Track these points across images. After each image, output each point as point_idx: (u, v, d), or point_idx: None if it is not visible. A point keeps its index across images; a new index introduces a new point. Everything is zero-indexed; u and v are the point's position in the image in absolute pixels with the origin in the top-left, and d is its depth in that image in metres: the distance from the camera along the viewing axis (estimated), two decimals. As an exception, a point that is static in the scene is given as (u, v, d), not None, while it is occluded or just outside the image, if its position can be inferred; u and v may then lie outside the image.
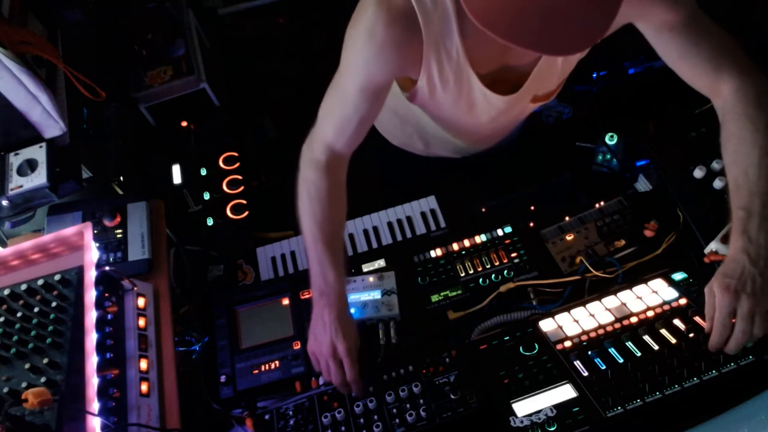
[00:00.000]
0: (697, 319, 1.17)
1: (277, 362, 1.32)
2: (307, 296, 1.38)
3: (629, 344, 1.15)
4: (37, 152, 1.46)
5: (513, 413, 1.09)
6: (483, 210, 1.57)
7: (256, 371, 1.31)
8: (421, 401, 1.16)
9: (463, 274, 1.40)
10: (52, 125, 1.47)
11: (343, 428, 1.16)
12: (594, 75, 2.17)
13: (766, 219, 1.07)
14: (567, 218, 1.46)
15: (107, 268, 1.24)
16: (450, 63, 1.15)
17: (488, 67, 1.18)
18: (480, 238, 1.46)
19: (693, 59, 1.15)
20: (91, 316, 1.12)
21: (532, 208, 1.52)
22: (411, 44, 1.10)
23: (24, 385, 1.09)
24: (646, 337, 1.16)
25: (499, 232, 1.46)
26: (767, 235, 1.06)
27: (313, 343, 1.20)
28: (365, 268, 1.46)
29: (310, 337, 1.21)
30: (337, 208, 1.24)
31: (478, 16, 0.86)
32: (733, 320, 1.06)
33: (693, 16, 1.12)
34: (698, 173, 1.37)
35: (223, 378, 1.31)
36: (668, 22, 1.12)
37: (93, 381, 1.06)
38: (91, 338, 1.10)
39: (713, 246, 1.25)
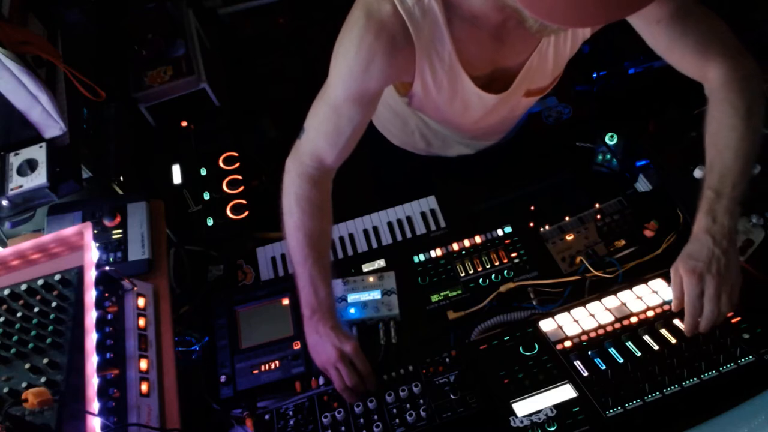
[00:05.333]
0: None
1: (277, 362, 1.32)
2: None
3: (629, 344, 1.15)
4: (37, 152, 1.46)
5: (513, 413, 1.09)
6: (483, 210, 1.57)
7: (256, 371, 1.31)
8: (421, 401, 1.16)
9: (463, 274, 1.40)
10: (52, 125, 1.47)
11: (343, 428, 1.16)
12: (594, 75, 2.18)
13: (734, 201, 1.10)
14: (567, 218, 1.46)
15: (107, 268, 1.24)
16: (443, 67, 1.15)
17: (480, 67, 1.19)
18: (480, 238, 1.46)
19: (680, 49, 1.17)
20: (91, 316, 1.12)
21: (532, 208, 1.51)
22: (402, 52, 1.09)
23: (24, 385, 1.09)
24: (646, 337, 1.16)
25: (499, 232, 1.46)
26: (732, 217, 1.10)
27: (318, 357, 1.19)
28: (365, 268, 1.46)
29: (313, 355, 1.20)
30: (326, 222, 1.25)
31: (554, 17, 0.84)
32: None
33: (680, 7, 1.13)
34: (698, 173, 1.37)
35: (223, 378, 1.31)
36: (655, 15, 1.13)
37: (93, 381, 1.06)
38: (91, 338, 1.10)
39: (713, 246, 1.25)
